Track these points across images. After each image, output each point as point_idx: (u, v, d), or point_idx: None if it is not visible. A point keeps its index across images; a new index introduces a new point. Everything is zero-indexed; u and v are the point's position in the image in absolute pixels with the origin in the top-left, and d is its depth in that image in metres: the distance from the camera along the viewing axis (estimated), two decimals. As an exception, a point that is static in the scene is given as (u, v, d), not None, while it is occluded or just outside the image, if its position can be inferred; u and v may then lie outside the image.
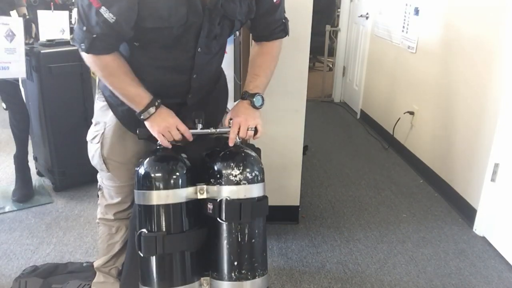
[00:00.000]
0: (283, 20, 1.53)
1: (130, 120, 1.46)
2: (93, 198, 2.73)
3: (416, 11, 3.16)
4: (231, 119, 1.46)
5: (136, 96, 1.36)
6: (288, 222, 2.47)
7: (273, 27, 1.52)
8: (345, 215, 2.60)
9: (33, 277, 1.91)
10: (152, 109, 1.36)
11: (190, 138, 1.40)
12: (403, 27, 3.36)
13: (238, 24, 1.42)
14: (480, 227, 2.42)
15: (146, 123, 1.39)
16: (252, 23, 1.50)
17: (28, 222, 2.46)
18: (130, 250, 1.58)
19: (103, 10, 1.19)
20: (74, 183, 2.81)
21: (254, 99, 1.46)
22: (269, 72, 1.55)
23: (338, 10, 5.07)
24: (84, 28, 1.24)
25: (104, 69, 1.34)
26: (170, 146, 1.38)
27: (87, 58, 1.32)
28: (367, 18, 4.11)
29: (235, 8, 1.35)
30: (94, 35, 1.24)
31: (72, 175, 2.78)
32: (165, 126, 1.37)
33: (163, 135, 1.38)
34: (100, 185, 1.69)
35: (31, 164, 2.87)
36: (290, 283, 2.03)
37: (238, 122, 1.44)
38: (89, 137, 1.59)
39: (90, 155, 1.60)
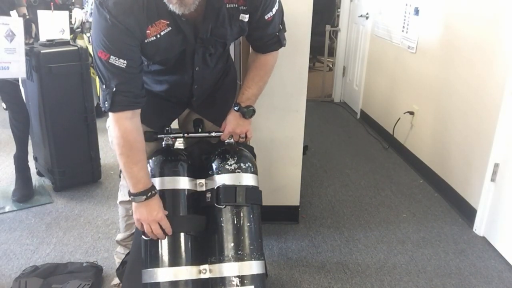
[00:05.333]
0: (277, 33, 1.54)
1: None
2: (93, 198, 2.73)
3: (416, 11, 3.16)
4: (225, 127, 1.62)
5: (134, 178, 1.39)
6: (288, 222, 2.47)
7: (265, 40, 1.55)
8: (345, 215, 2.60)
9: (33, 277, 1.91)
10: (142, 197, 1.39)
11: (170, 233, 1.40)
12: (403, 27, 3.36)
13: (231, 42, 1.51)
14: (480, 227, 2.42)
15: (133, 205, 1.42)
16: (247, 35, 1.53)
17: (28, 222, 2.46)
18: (133, 254, 1.60)
19: (112, 59, 1.27)
20: (74, 183, 2.82)
21: (245, 112, 1.59)
22: (261, 84, 1.64)
23: (338, 10, 5.07)
24: (104, 86, 1.31)
25: (121, 138, 1.36)
26: (146, 236, 1.40)
27: (110, 122, 1.38)
28: (367, 18, 4.11)
29: (225, 32, 1.41)
30: (114, 89, 1.30)
31: (72, 175, 2.78)
32: (146, 218, 1.39)
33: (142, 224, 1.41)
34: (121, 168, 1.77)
35: (31, 164, 2.87)
36: (290, 283, 2.03)
37: (230, 132, 1.59)
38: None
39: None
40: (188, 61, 1.44)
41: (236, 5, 1.36)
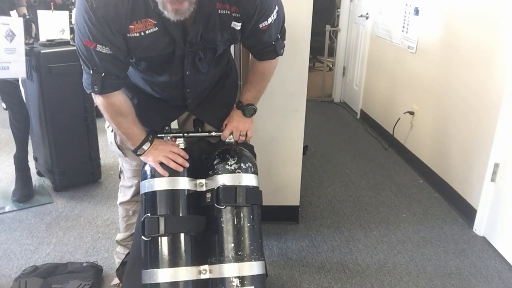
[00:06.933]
0: (273, 42, 1.50)
1: (136, 113, 1.53)
2: (93, 198, 2.73)
3: (416, 11, 3.16)
4: (226, 124, 1.63)
5: (137, 135, 1.50)
6: (288, 222, 2.47)
7: (259, 48, 1.53)
8: (345, 215, 2.60)
9: (33, 277, 1.91)
10: (147, 144, 1.50)
11: (186, 156, 1.50)
12: (403, 27, 3.36)
13: (221, 48, 1.48)
14: (480, 227, 2.42)
15: (142, 157, 1.51)
16: (240, 41, 1.51)
17: (28, 222, 2.46)
18: (133, 254, 1.61)
19: (99, 47, 1.28)
20: (74, 183, 2.82)
21: (245, 110, 1.63)
22: (260, 88, 1.65)
23: (338, 10, 5.07)
24: (91, 72, 1.33)
25: (117, 110, 1.44)
26: (166, 174, 1.45)
27: (101, 101, 1.41)
28: (367, 18, 4.11)
29: (215, 37, 1.39)
30: (103, 74, 1.33)
31: (72, 175, 2.78)
32: (161, 154, 1.48)
33: (160, 163, 1.46)
34: (120, 168, 1.82)
35: (31, 164, 2.87)
36: (290, 283, 2.03)
37: (231, 128, 1.61)
38: (106, 125, 1.72)
39: (108, 141, 1.73)
40: (177, 64, 1.43)
41: (229, 12, 1.33)
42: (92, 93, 1.40)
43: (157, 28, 1.29)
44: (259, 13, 1.36)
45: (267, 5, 1.37)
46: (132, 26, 1.27)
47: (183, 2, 1.19)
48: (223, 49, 1.49)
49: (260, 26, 1.40)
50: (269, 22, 1.41)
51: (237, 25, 1.37)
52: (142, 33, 1.29)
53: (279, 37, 1.52)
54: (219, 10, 1.33)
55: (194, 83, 1.52)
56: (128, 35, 1.28)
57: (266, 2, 1.36)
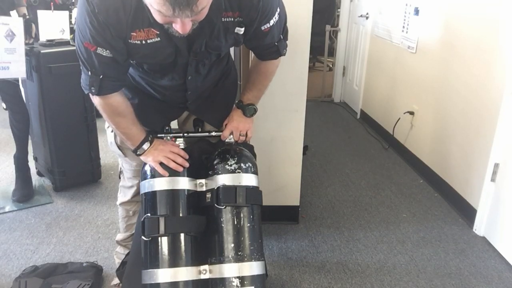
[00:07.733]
0: (276, 43, 1.51)
1: (136, 113, 1.53)
2: (93, 198, 2.73)
3: (416, 11, 3.16)
4: (226, 124, 1.63)
5: (136, 134, 1.50)
6: (288, 222, 2.47)
7: (262, 49, 1.53)
8: (345, 215, 2.60)
9: (33, 277, 1.91)
10: (147, 144, 1.50)
11: (186, 156, 1.50)
12: (403, 27, 3.36)
13: (225, 52, 1.50)
14: (480, 227, 2.42)
15: (141, 157, 1.51)
16: (243, 43, 1.51)
17: (28, 222, 2.46)
18: (133, 254, 1.61)
19: (99, 50, 1.28)
20: (74, 183, 2.82)
21: (246, 110, 1.62)
22: (262, 87, 1.66)
23: (338, 10, 5.07)
24: (89, 73, 1.33)
25: (114, 110, 1.44)
26: (166, 174, 1.45)
27: (98, 101, 1.42)
28: (367, 18, 4.11)
29: (220, 44, 1.39)
30: (101, 76, 1.33)
31: (72, 175, 2.78)
32: (160, 154, 1.47)
33: (160, 163, 1.46)
34: (120, 168, 1.82)
35: (31, 164, 2.87)
36: (290, 283, 2.03)
37: (231, 128, 1.60)
38: (106, 125, 1.71)
39: (108, 142, 1.73)
40: (179, 70, 1.43)
41: (232, 19, 1.34)
42: (90, 94, 1.40)
43: (159, 39, 1.29)
44: (261, 16, 1.37)
45: (269, 8, 1.37)
46: (134, 34, 1.27)
47: (190, 28, 1.18)
48: (225, 52, 1.51)
49: (263, 28, 1.41)
50: (271, 24, 1.41)
51: (241, 30, 1.38)
52: (144, 42, 1.29)
53: (282, 37, 1.52)
54: (223, 18, 1.33)
55: (195, 87, 1.53)
56: (129, 41, 1.29)
57: (268, 5, 1.36)
